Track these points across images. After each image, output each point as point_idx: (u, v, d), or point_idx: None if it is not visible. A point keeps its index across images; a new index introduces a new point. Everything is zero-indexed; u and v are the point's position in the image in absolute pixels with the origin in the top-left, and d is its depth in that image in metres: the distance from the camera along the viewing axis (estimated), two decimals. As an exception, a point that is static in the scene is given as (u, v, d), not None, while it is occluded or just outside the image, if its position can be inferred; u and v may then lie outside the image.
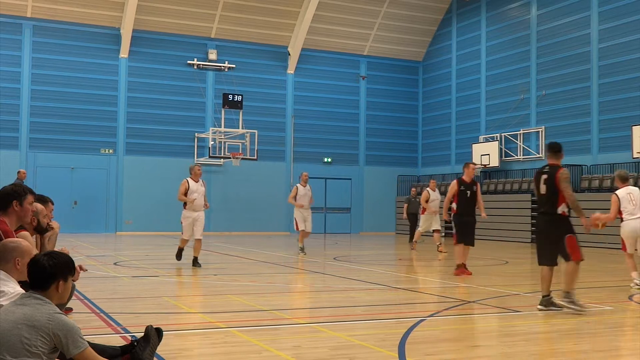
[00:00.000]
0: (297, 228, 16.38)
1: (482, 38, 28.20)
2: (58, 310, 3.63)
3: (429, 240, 23.59)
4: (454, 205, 11.98)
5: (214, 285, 10.40)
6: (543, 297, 7.79)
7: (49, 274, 3.67)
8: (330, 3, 28.55)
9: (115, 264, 13.34)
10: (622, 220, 10.11)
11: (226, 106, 25.51)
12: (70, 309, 6.87)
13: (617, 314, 7.63)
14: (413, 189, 23.17)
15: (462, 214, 11.88)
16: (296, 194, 16.18)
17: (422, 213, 18.15)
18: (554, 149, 7.96)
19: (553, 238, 7.67)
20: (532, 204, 23.70)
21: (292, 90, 29.48)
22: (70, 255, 4.05)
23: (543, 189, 7.76)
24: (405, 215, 22.00)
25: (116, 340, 5.62)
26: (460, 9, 29.60)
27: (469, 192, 11.84)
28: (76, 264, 5.82)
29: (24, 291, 4.09)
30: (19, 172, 18.93)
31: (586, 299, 8.71)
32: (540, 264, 7.86)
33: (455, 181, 12.08)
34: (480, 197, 12.08)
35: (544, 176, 7.78)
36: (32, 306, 3.57)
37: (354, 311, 8.34)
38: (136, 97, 27.07)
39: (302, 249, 16.22)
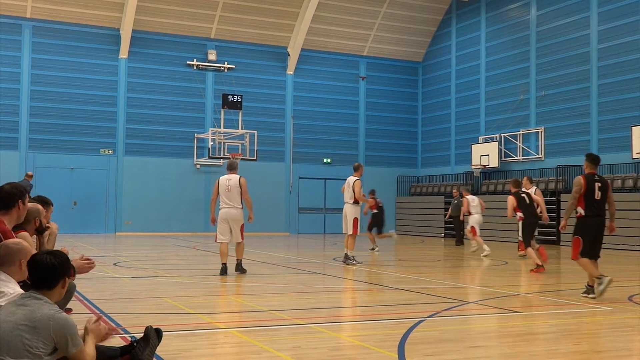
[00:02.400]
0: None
1: (481, 39, 28.21)
2: (58, 309, 3.63)
3: (430, 240, 23.59)
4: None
5: (213, 285, 10.40)
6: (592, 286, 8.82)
7: (58, 272, 3.69)
8: (330, 4, 28.56)
9: (114, 264, 13.34)
10: None
11: (226, 107, 25.52)
12: (70, 310, 6.86)
13: (616, 314, 7.62)
14: (455, 190, 22.13)
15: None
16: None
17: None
18: None
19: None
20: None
21: (291, 90, 29.49)
22: (70, 256, 4.05)
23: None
24: (462, 216, 19.89)
25: (116, 341, 5.62)
26: (460, 9, 29.61)
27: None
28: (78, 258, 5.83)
29: (23, 292, 4.09)
30: (28, 175, 18.90)
31: (586, 299, 8.71)
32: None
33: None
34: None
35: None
36: (32, 306, 3.57)
37: (353, 312, 8.34)
38: (136, 97, 27.07)
39: (354, 258, 13.90)
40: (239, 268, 11.55)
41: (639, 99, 21.49)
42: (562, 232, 8.10)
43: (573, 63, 23.84)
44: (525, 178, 16.44)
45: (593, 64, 23.07)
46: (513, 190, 13.67)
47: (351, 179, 14.09)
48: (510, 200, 13.40)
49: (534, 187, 16.00)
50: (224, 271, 11.36)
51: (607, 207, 9.06)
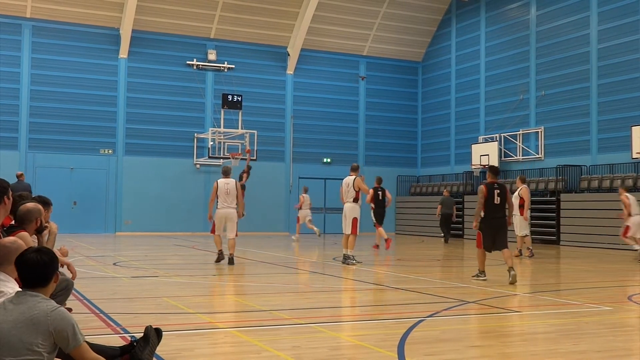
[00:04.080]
0: (357, 231, 14.00)
1: (481, 38, 28.21)
2: (56, 305, 3.62)
3: (430, 240, 23.57)
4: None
5: (213, 285, 10.40)
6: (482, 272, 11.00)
7: (51, 268, 3.70)
8: (330, 3, 28.55)
9: (114, 264, 13.34)
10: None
11: (225, 106, 25.50)
12: (70, 309, 6.86)
13: (616, 314, 7.63)
14: (445, 191, 24.02)
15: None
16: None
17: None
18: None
19: None
20: (531, 204, 23.65)
21: (291, 90, 29.49)
22: (70, 255, 4.06)
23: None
24: (438, 214, 23.35)
25: (116, 341, 5.62)
26: (460, 9, 29.61)
27: None
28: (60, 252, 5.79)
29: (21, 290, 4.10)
30: (22, 175, 18.86)
31: (586, 299, 8.72)
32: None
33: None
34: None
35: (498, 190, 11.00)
36: (29, 305, 3.56)
37: (353, 311, 8.34)
38: (135, 97, 27.06)
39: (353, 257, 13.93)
40: (232, 261, 12.94)
41: (639, 99, 21.49)
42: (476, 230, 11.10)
43: (573, 63, 23.84)
44: (518, 177, 16.98)
45: (593, 63, 23.07)
46: (375, 185, 18.41)
47: (350, 178, 14.15)
48: (370, 194, 17.75)
49: (524, 186, 16.45)
50: (220, 256, 13.07)
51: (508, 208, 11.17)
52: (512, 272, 10.42)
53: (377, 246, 18.04)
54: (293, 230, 29.49)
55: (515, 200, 16.61)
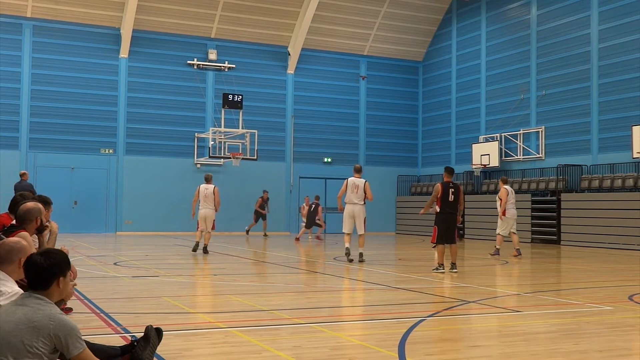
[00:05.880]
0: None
1: (482, 38, 28.20)
2: (59, 311, 3.62)
3: (430, 240, 23.45)
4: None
5: (214, 285, 10.40)
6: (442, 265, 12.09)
7: (49, 273, 3.64)
8: (330, 3, 28.55)
9: (115, 264, 13.34)
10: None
11: (226, 106, 25.49)
12: (70, 309, 6.87)
13: (617, 314, 7.62)
14: None
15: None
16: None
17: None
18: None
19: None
20: (532, 204, 23.71)
21: (292, 90, 29.48)
22: (70, 255, 4.06)
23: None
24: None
25: (116, 341, 5.62)
26: (460, 8, 29.60)
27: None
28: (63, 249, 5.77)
29: (22, 291, 4.09)
30: (25, 174, 18.86)
31: (586, 299, 8.72)
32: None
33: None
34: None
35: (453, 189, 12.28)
36: (32, 307, 3.56)
37: (353, 311, 8.34)
38: (136, 97, 27.06)
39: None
40: (206, 250, 15.51)
41: (640, 99, 21.50)
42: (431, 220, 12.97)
43: (573, 62, 23.83)
44: (500, 179, 17.65)
45: (593, 63, 23.06)
46: (264, 195, 24.81)
47: (360, 181, 14.44)
48: (258, 201, 25.01)
49: (503, 187, 16.66)
50: (196, 247, 15.77)
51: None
52: (454, 270, 11.79)
53: (297, 241, 22.62)
54: (294, 230, 29.53)
55: (498, 202, 16.97)
